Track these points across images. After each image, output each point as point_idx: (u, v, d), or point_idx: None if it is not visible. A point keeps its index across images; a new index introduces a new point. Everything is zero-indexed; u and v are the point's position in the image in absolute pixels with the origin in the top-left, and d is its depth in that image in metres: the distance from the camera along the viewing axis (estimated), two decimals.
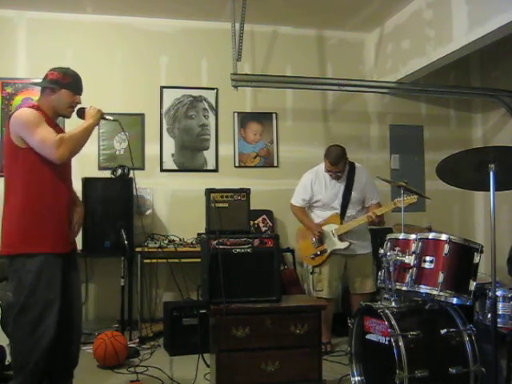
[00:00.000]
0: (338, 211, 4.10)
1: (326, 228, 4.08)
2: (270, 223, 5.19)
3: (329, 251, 4.06)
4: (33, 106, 2.66)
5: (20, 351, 2.55)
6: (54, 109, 2.70)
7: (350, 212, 4.11)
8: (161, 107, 5.22)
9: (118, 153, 5.06)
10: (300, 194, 4.23)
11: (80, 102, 2.78)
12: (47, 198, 2.62)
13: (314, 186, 4.17)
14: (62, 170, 2.70)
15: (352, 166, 4.21)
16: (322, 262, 4.09)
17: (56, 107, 2.70)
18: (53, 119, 2.72)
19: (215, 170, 5.29)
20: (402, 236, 3.01)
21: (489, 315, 2.71)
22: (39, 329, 2.52)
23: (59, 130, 2.77)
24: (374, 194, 4.19)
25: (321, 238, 4.06)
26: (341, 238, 4.05)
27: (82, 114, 2.79)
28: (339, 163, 4.06)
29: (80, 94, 2.78)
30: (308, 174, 4.27)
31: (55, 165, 2.60)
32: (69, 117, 2.81)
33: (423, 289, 2.80)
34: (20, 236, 2.56)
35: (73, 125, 2.90)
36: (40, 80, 2.76)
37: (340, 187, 4.14)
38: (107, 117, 2.88)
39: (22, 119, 2.56)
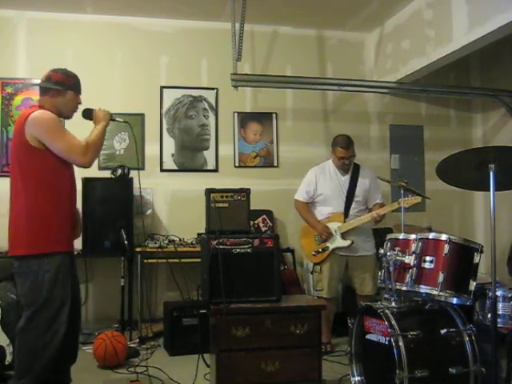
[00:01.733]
0: (342, 209, 4.11)
1: (329, 226, 4.09)
2: (270, 223, 5.19)
3: (331, 248, 4.07)
4: (40, 108, 2.64)
5: (30, 350, 2.54)
6: (58, 110, 2.69)
7: (353, 210, 4.12)
8: (161, 107, 5.22)
9: (117, 153, 5.06)
10: (304, 188, 4.24)
11: (81, 103, 2.79)
12: (65, 197, 2.64)
13: (319, 180, 4.19)
14: (72, 169, 2.73)
15: (357, 166, 4.24)
16: (324, 259, 4.09)
17: (61, 109, 2.70)
18: None
19: (215, 170, 5.29)
20: (402, 236, 3.01)
21: (489, 315, 2.71)
22: (53, 327, 2.55)
23: None
24: (377, 195, 4.22)
25: (328, 232, 4.07)
26: (343, 235, 4.05)
27: (89, 114, 2.79)
28: (350, 147, 4.10)
29: (81, 94, 2.79)
30: (313, 169, 4.30)
31: (69, 165, 2.65)
32: (70, 118, 2.82)
33: (423, 289, 2.80)
34: (38, 236, 2.55)
35: (74, 124, 2.92)
36: (39, 81, 2.74)
37: (345, 182, 4.16)
38: (117, 118, 2.90)
39: (43, 124, 2.55)
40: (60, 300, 2.56)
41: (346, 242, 4.04)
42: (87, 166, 2.62)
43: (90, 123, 2.81)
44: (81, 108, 2.82)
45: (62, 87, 2.67)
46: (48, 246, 2.56)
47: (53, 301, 2.55)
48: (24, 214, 2.57)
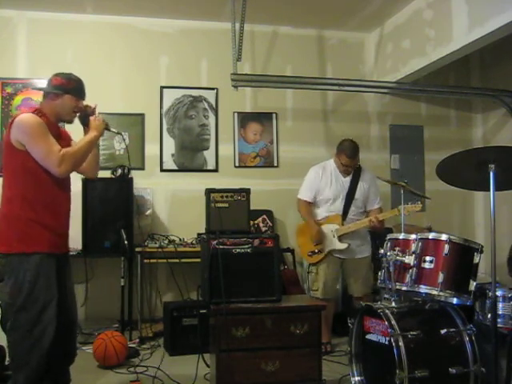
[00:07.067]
0: (341, 211, 4.10)
1: (326, 227, 4.08)
2: (270, 223, 5.19)
3: (326, 251, 4.06)
4: (35, 111, 2.66)
5: (18, 351, 2.55)
6: (57, 114, 2.71)
7: (352, 213, 4.10)
8: (161, 107, 5.22)
9: (117, 153, 5.06)
10: (307, 188, 4.21)
11: (83, 107, 2.79)
12: (45, 198, 2.63)
13: (321, 180, 4.16)
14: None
15: (359, 167, 4.23)
16: (320, 260, 4.08)
17: (59, 112, 2.72)
18: (55, 123, 2.73)
19: (215, 170, 5.29)
20: (402, 236, 3.01)
21: (489, 315, 2.71)
22: (38, 327, 2.53)
23: (60, 132, 2.78)
24: (376, 199, 4.20)
25: (319, 237, 4.06)
26: (340, 238, 4.04)
27: (86, 121, 2.80)
28: (356, 156, 4.10)
29: (83, 99, 2.79)
30: (315, 168, 4.27)
31: None
32: (71, 122, 2.83)
33: (423, 289, 2.80)
34: (18, 235, 2.57)
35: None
36: (39, 81, 2.76)
37: (346, 184, 4.15)
38: (112, 129, 2.91)
39: (25, 127, 2.56)
40: (43, 300, 2.55)
41: (343, 245, 4.03)
42: (60, 176, 2.61)
43: None
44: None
45: (60, 90, 2.68)
46: (27, 246, 2.56)
47: (34, 301, 2.54)
48: (4, 214, 2.61)
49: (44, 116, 2.64)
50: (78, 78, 2.77)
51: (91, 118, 2.79)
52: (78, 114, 2.79)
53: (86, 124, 2.81)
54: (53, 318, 2.56)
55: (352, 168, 4.13)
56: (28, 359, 2.52)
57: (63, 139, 2.76)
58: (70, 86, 2.70)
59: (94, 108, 2.84)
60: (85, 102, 2.80)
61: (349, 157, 4.06)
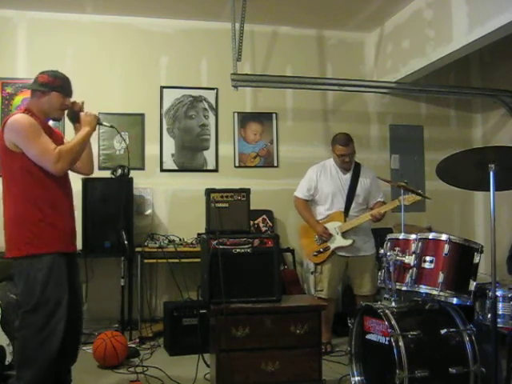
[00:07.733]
0: (343, 208, 4.10)
1: (329, 225, 4.08)
2: (270, 223, 5.19)
3: (332, 248, 4.06)
4: (25, 110, 2.66)
5: (28, 348, 2.56)
6: (44, 111, 2.71)
7: (353, 210, 4.11)
8: (161, 107, 5.22)
9: (117, 153, 5.06)
10: (305, 185, 4.21)
11: (70, 104, 2.78)
12: (48, 198, 2.63)
13: (320, 177, 4.17)
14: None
15: (358, 165, 4.23)
16: (325, 259, 4.08)
17: (47, 110, 2.71)
18: (44, 121, 2.73)
19: (215, 170, 5.29)
20: (402, 236, 3.01)
21: (489, 315, 2.71)
22: (49, 326, 2.55)
23: (52, 130, 2.79)
24: (379, 193, 4.22)
25: (327, 234, 4.05)
26: (344, 235, 4.04)
27: (76, 118, 2.79)
28: (349, 144, 4.09)
29: (70, 97, 2.79)
30: (314, 166, 4.28)
31: None
32: (59, 120, 2.85)
33: (423, 289, 2.80)
34: (26, 237, 2.58)
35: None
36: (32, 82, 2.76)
37: (346, 181, 4.15)
38: (104, 123, 2.90)
39: (18, 128, 2.56)
40: (55, 299, 2.57)
41: (348, 242, 4.03)
42: (58, 173, 2.62)
43: None
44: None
45: (47, 88, 2.67)
46: (36, 248, 2.58)
47: (47, 300, 2.56)
48: (10, 218, 2.62)
49: (34, 115, 2.64)
50: (64, 75, 2.77)
51: (82, 114, 2.78)
52: (66, 112, 2.79)
53: (75, 121, 2.81)
54: (63, 317, 2.58)
55: (349, 159, 4.11)
56: (36, 356, 2.53)
57: (55, 137, 2.75)
58: (56, 84, 2.70)
59: (82, 104, 2.83)
60: (72, 99, 2.80)
61: (342, 145, 4.07)
